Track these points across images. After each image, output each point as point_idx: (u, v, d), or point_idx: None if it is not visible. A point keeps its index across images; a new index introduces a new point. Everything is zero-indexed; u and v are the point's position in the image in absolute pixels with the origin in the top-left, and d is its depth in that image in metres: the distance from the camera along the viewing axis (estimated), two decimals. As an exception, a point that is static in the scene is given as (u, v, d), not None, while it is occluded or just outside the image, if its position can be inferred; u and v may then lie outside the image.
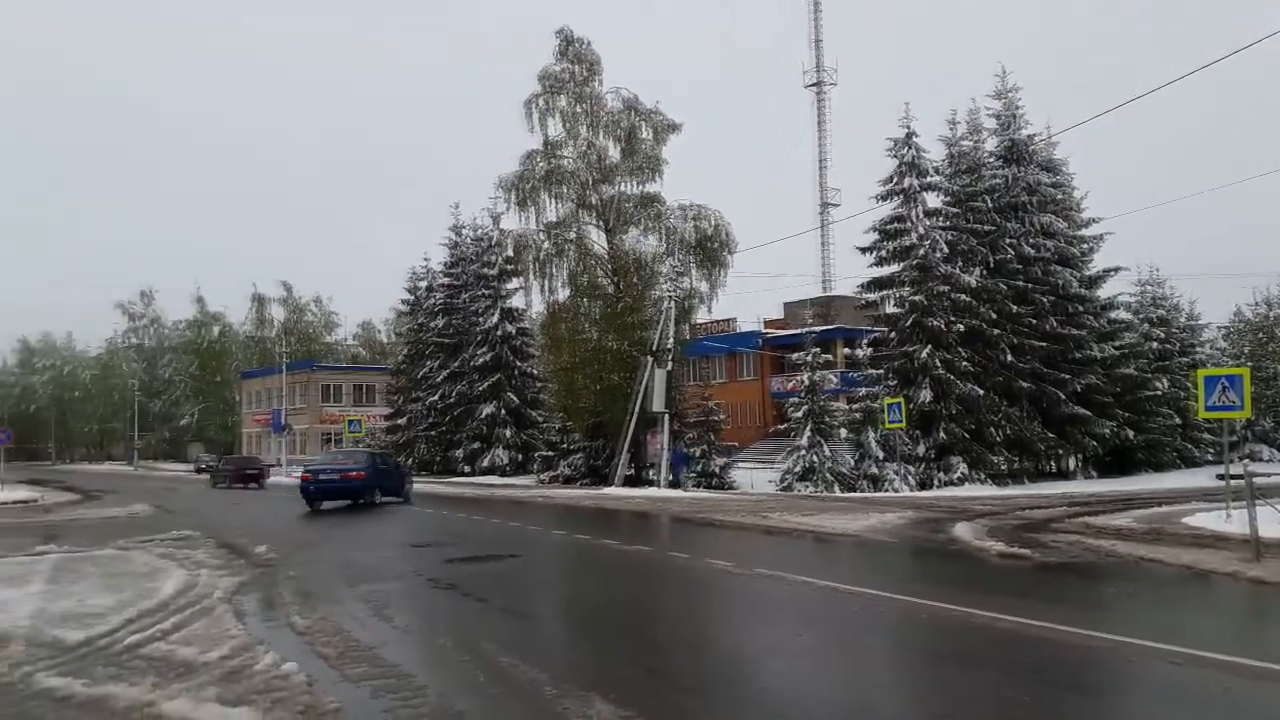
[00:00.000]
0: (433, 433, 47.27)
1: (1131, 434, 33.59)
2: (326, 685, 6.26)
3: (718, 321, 47.87)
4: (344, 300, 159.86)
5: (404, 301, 54.62)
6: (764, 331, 50.45)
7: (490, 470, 43.38)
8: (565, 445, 38.24)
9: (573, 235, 34.59)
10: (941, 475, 30.05)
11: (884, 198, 32.77)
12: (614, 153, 34.99)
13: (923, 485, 29.46)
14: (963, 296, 30.97)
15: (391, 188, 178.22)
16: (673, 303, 31.74)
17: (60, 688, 6.19)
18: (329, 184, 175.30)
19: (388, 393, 57.46)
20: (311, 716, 5.54)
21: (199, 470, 58.01)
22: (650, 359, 31.25)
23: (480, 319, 45.93)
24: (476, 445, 44.81)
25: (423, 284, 52.18)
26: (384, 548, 15.57)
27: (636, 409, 31.45)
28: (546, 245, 34.38)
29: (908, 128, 32.22)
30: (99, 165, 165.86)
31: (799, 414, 30.36)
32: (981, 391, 30.56)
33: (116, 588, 10.43)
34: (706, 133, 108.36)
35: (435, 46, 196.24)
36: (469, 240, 49.42)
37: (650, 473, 31.96)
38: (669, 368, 31.43)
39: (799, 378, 31.57)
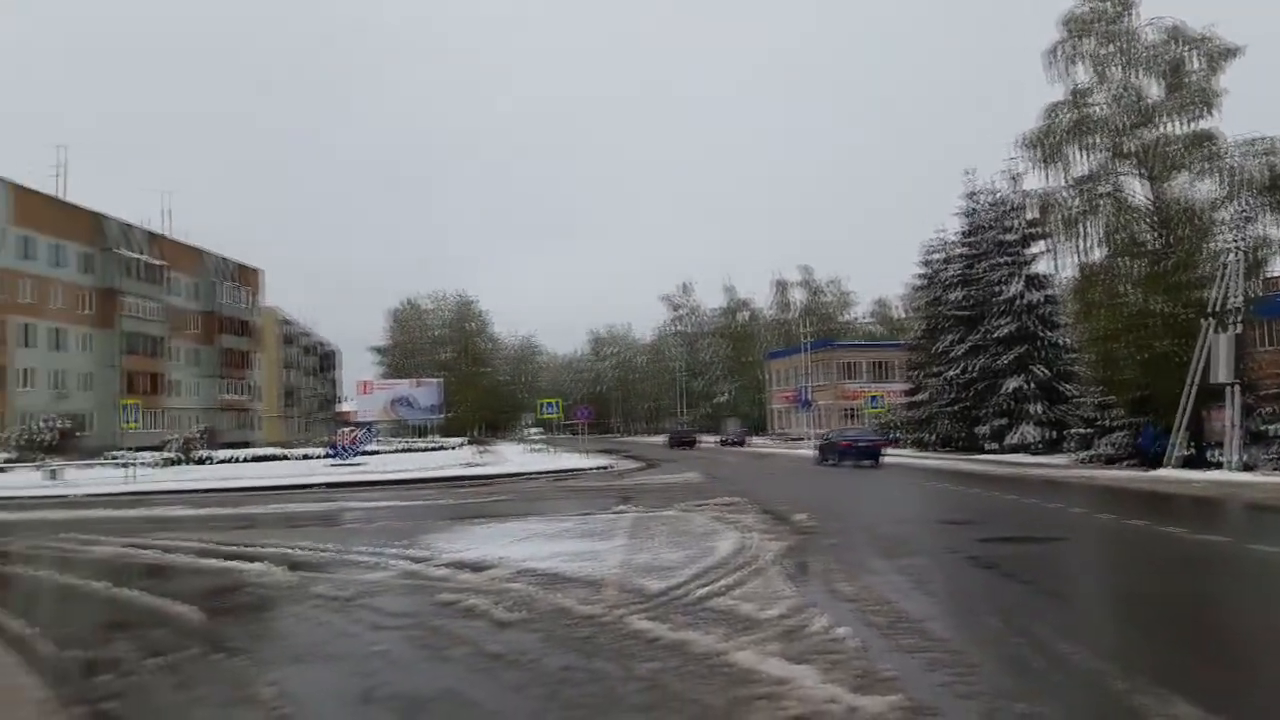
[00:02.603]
0: (954, 408, 45.96)
1: None
2: (879, 653, 6.35)
3: (1299, 274, 39.89)
4: (859, 279, 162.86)
5: (918, 275, 53.92)
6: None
7: (1017, 448, 41.02)
8: (1104, 422, 34.67)
9: (1107, 188, 31.07)
10: None
11: None
12: (1154, 91, 30.75)
13: None
14: None
15: (901, 163, 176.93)
16: (1239, 255, 27.09)
17: (648, 630, 7.07)
18: (843, 166, 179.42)
19: (905, 368, 57.18)
20: (869, 681, 5.64)
21: (723, 444, 63.63)
22: (1210, 322, 27.02)
23: (1001, 288, 43.55)
24: (1002, 421, 42.66)
25: (937, 256, 50.94)
26: (914, 522, 15.47)
27: (1195, 380, 27.44)
28: (1076, 203, 31.33)
29: None
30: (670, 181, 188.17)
31: None
32: None
33: (682, 545, 11.70)
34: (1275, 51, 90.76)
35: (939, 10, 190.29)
36: (985, 206, 47.09)
37: (1215, 453, 27.68)
38: (1236, 331, 26.90)
39: None
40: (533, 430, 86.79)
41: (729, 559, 10.43)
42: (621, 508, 17.02)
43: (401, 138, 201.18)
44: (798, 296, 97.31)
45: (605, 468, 34.48)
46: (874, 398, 46.99)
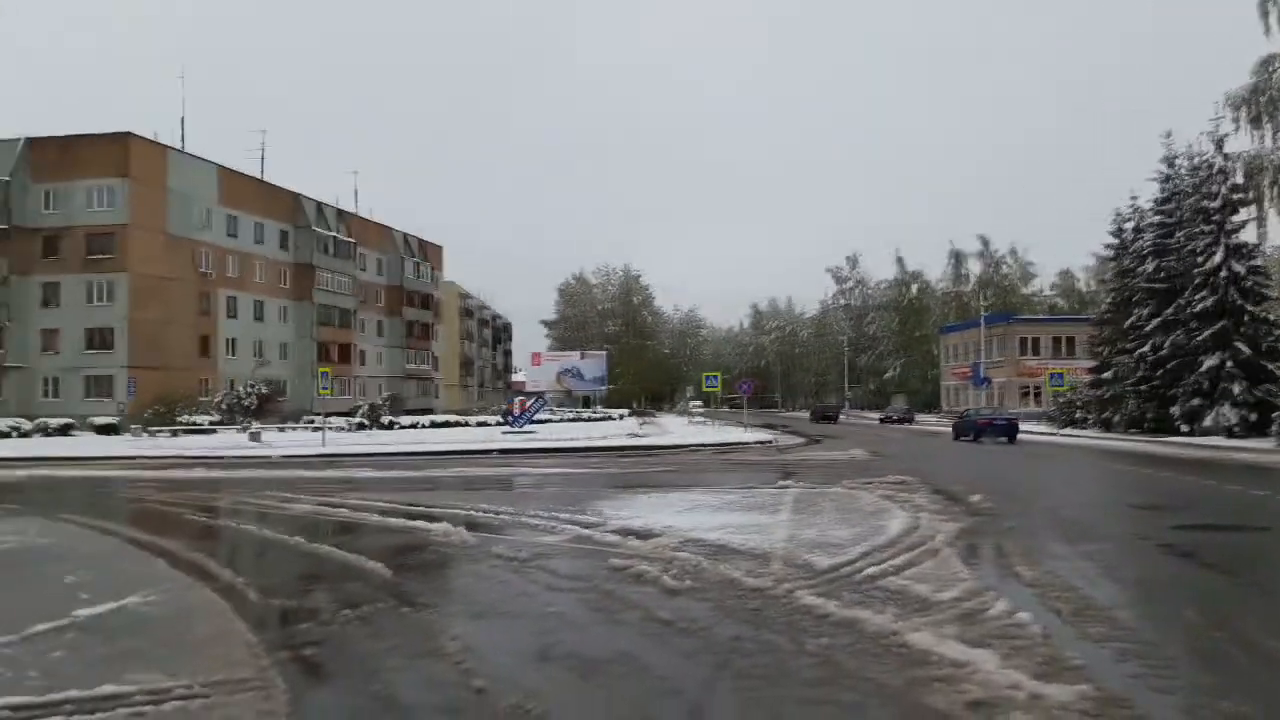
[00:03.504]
0: (1143, 387, 42.89)
1: None
2: (1064, 640, 6.05)
3: None
4: (1041, 250, 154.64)
5: (1107, 246, 50.37)
6: None
7: (1213, 430, 37.90)
8: (1319, 403, 31.65)
9: (1326, 149, 28.22)
10: None
11: None
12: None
13: None
14: None
15: (1085, 129, 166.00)
16: None
17: (817, 606, 6.98)
18: (1028, 132, 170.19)
19: (1090, 344, 53.81)
20: (1054, 669, 5.38)
21: (884, 421, 61.74)
22: None
23: (1199, 259, 40.18)
24: (1196, 402, 39.50)
25: (1129, 225, 47.46)
26: (1099, 506, 14.65)
27: None
28: (1289, 165, 28.61)
29: None
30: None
31: None
32: None
33: (849, 522, 11.49)
34: None
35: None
36: (1183, 172, 43.49)
37: None
38: None
39: None
40: (694, 403, 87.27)
41: (900, 538, 10.16)
42: (785, 482, 16.87)
43: (572, 118, 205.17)
44: (974, 268, 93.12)
45: (767, 442, 34.27)
46: (1056, 375, 44.56)
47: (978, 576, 8.16)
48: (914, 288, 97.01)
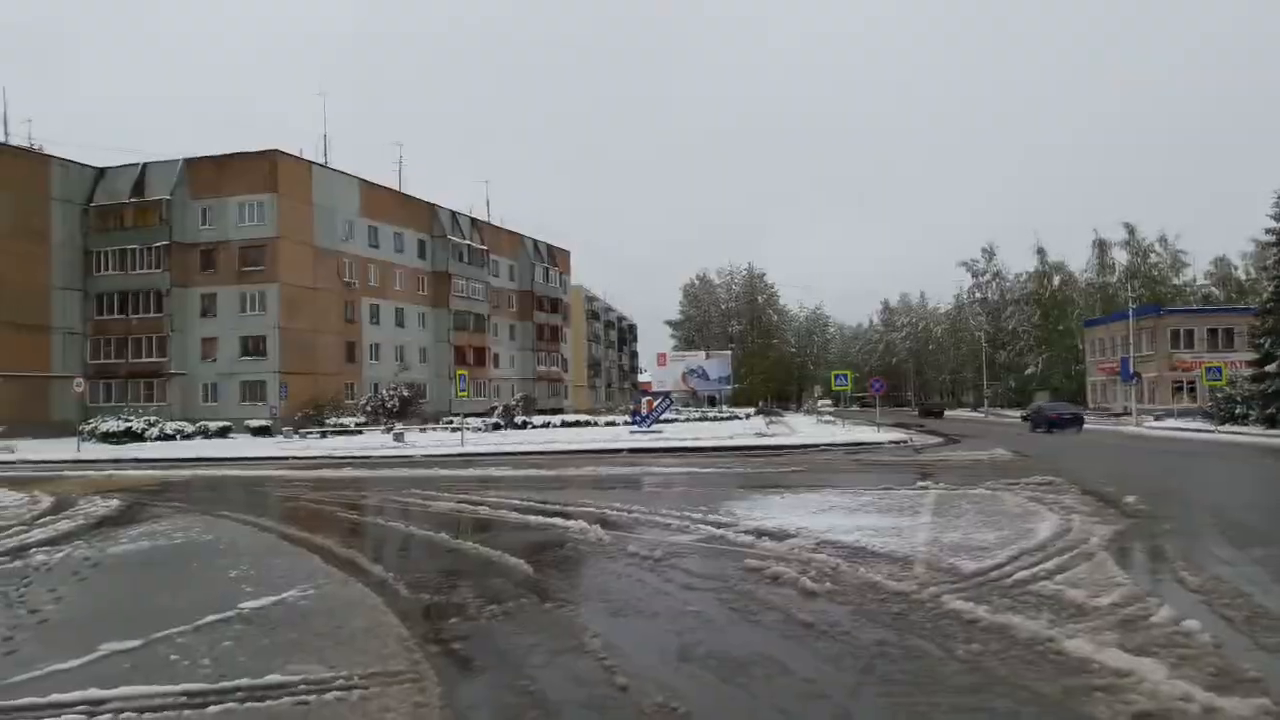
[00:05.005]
0: (1314, 381, 39.78)
1: None
2: (1238, 651, 5.66)
3: None
4: (1192, 237, 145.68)
5: (1268, 231, 46.90)
6: None
7: (1400, 427, 34.88)
8: None
9: None
10: None
11: None
12: None
13: None
14: None
15: (1245, 103, 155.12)
16: None
17: (965, 611, 6.74)
18: (1173, 115, 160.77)
19: (1251, 336, 50.21)
20: (1228, 681, 5.04)
21: (1024, 419, 58.51)
22: None
23: (1379, 241, 37.03)
24: (1378, 396, 36.41)
25: (1294, 207, 44.09)
26: (1267, 509, 13.71)
27: None
28: None
29: None
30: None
31: None
32: None
33: (994, 525, 11.06)
34: None
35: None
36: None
37: None
38: None
39: None
40: (823, 402, 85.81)
41: (1050, 541, 9.72)
42: (924, 483, 16.37)
43: (695, 119, 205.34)
44: (1120, 258, 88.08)
45: (901, 442, 33.37)
46: (1213, 369, 41.80)
47: (1136, 581, 7.72)
48: (1056, 279, 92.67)
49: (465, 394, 37.52)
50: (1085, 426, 45.20)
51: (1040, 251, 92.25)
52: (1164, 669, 5.22)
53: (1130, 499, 13.11)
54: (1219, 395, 43.53)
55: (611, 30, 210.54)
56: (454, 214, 66.24)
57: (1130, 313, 60.04)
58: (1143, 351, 63.02)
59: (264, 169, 50.54)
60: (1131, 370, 51.71)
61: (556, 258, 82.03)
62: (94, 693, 5.23)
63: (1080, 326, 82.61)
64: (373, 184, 58.63)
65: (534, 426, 49.26)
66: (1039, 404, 47.74)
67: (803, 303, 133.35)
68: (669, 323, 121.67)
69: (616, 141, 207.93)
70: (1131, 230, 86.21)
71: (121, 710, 5.03)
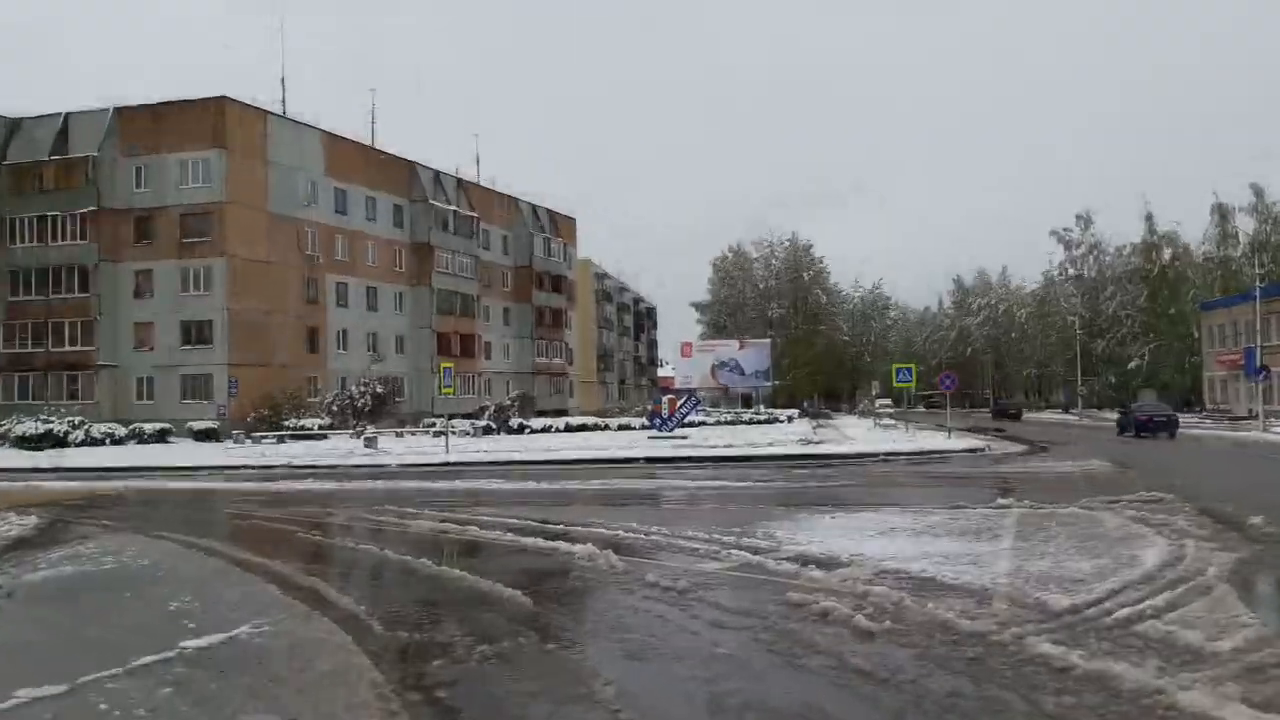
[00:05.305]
0: None
1: None
2: (1390, 709, 5.60)
3: None
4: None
5: None
6: None
7: None
8: None
9: None
10: None
11: None
12: None
13: None
14: None
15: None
16: None
17: (1055, 656, 6.70)
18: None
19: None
20: (1378, 747, 5.00)
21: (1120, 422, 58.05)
22: None
23: None
24: None
25: None
26: None
27: None
28: None
29: None
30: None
31: None
32: None
33: (1090, 551, 11.01)
34: None
35: None
36: None
37: None
38: None
39: None
40: (881, 402, 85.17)
41: (1158, 571, 9.67)
42: (1004, 501, 16.32)
43: (722, 75, 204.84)
44: (1245, 225, 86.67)
45: (977, 450, 33.29)
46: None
47: (1265, 621, 7.68)
48: (1167, 252, 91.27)
49: (450, 391, 37.67)
50: (1196, 431, 45.21)
51: (1149, 219, 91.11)
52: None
53: (1257, 519, 13.02)
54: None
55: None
56: (437, 174, 66.40)
57: (1257, 292, 59.45)
58: (1272, 341, 62.37)
59: (209, 119, 50.73)
60: (1259, 363, 51.20)
61: (560, 226, 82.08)
62: (9, 748, 5.30)
63: (1196, 310, 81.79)
64: (340, 138, 58.87)
65: (532, 431, 49.49)
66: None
67: (858, 280, 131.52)
68: (695, 305, 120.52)
69: (639, 94, 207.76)
70: (1259, 193, 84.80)
71: (41, 769, 5.09)
